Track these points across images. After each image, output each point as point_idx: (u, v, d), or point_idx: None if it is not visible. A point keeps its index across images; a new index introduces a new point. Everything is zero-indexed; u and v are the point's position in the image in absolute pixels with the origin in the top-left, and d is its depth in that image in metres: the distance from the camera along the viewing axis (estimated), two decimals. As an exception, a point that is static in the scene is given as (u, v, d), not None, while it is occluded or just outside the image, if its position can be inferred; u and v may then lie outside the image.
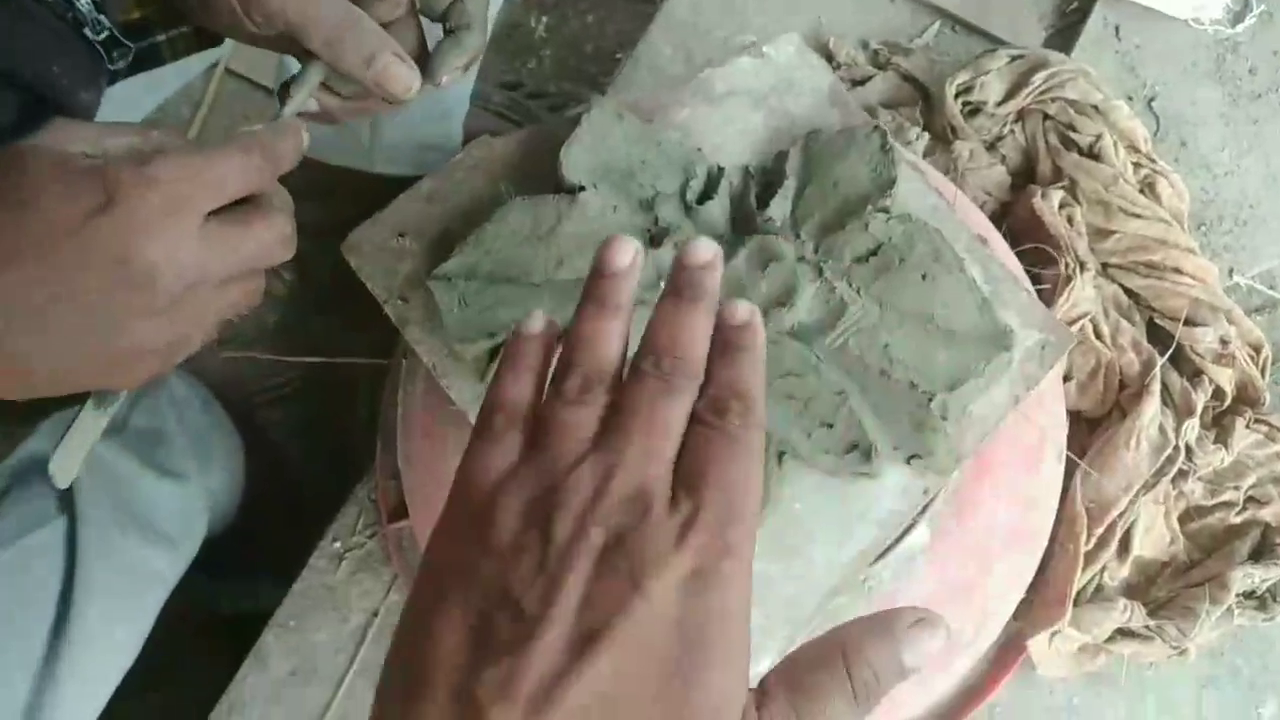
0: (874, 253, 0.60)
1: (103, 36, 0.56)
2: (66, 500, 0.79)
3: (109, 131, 0.45)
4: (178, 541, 0.85)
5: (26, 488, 0.80)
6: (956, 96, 0.86)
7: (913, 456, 0.58)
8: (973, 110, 0.87)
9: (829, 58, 0.94)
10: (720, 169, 0.64)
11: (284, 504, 1.04)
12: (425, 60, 0.58)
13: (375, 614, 0.82)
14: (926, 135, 0.86)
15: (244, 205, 0.46)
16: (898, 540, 0.59)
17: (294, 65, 0.99)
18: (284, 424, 1.16)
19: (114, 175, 0.42)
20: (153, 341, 0.44)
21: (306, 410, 1.16)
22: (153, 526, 0.83)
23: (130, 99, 0.74)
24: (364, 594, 0.83)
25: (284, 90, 0.57)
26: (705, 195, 0.63)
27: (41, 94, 0.55)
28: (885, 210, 0.61)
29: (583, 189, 0.61)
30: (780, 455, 0.59)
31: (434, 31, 0.60)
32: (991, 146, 0.87)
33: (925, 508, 0.60)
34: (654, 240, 0.61)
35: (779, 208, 0.62)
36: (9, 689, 0.68)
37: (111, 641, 0.76)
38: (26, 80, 0.53)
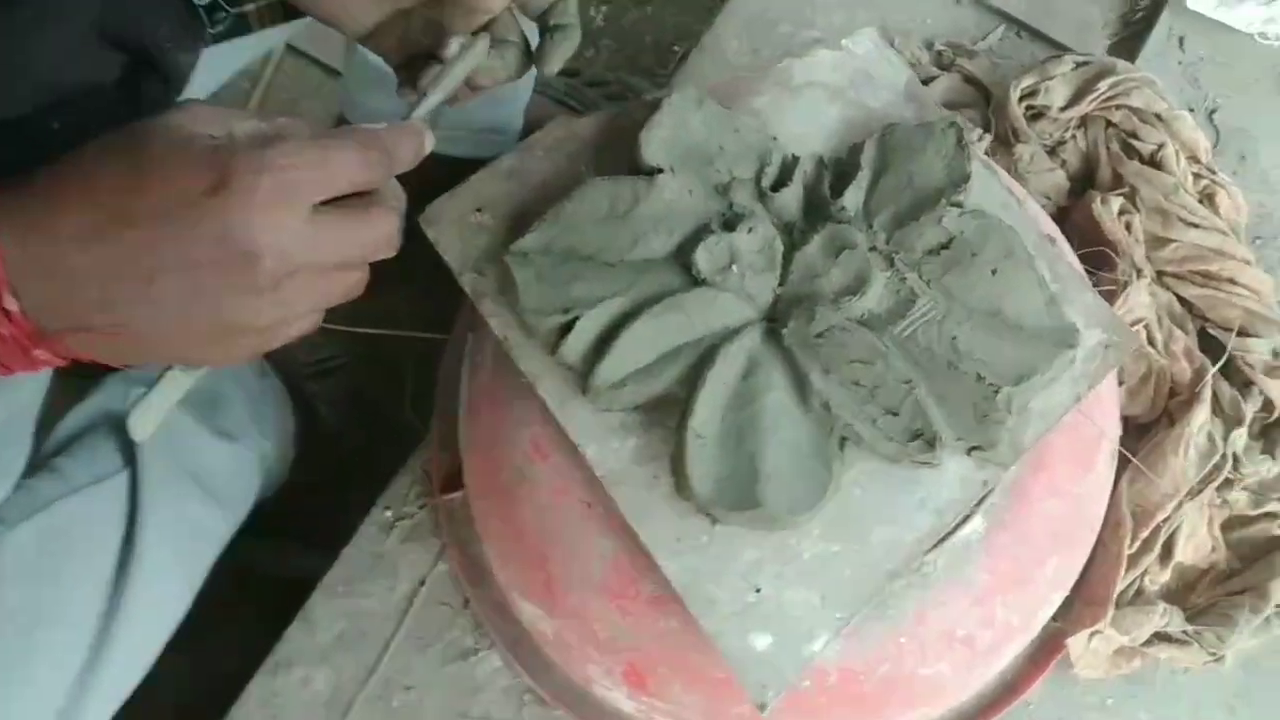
0: (945, 246, 0.62)
1: (206, 1, 0.58)
2: (129, 454, 0.81)
3: (236, 116, 0.46)
4: (231, 502, 0.87)
5: (93, 439, 0.82)
6: (1020, 100, 0.87)
7: (974, 448, 0.59)
8: (1035, 114, 0.88)
9: (892, 57, 0.95)
10: (795, 157, 0.65)
11: (327, 472, 1.06)
12: (527, 55, 0.61)
13: (422, 583, 0.84)
14: (989, 137, 0.87)
15: (356, 199, 0.47)
16: (955, 529, 0.61)
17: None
18: (330, 395, 1.18)
19: (229, 157, 0.43)
20: (251, 320, 0.46)
21: (352, 383, 1.18)
22: (209, 486, 0.85)
23: (213, 66, 0.76)
24: (412, 563, 0.84)
25: (405, 83, 0.59)
26: (780, 182, 0.65)
27: (145, 56, 0.57)
28: (959, 205, 0.62)
29: (660, 171, 0.63)
30: (843, 440, 0.60)
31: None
32: (1052, 151, 0.88)
33: (983, 499, 0.61)
34: (728, 224, 0.62)
35: (852, 198, 0.63)
36: (76, 630, 0.71)
37: (168, 593, 0.78)
38: (135, 43, 0.55)
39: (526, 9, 0.60)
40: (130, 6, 0.54)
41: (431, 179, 0.74)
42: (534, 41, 0.63)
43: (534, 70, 1.07)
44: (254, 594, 0.99)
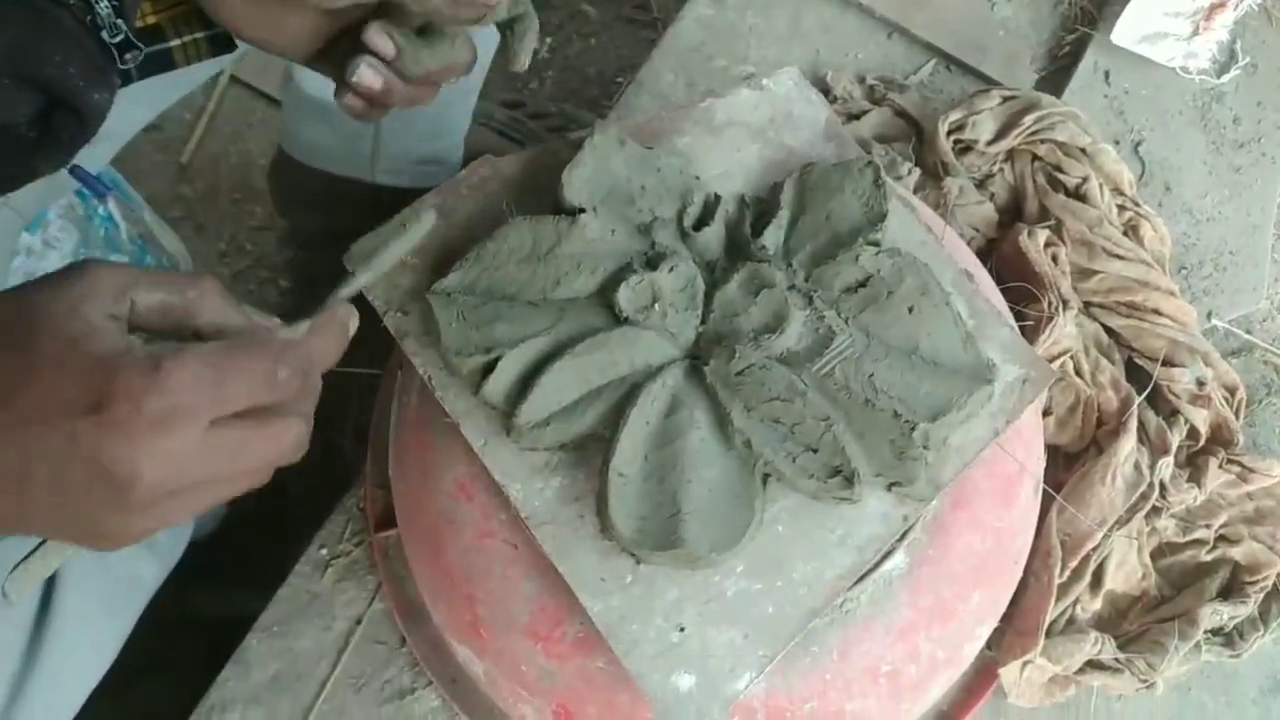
0: (863, 284, 0.62)
1: (118, 39, 0.57)
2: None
3: (142, 283, 0.43)
4: (163, 546, 0.86)
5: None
6: (949, 134, 0.89)
7: (893, 484, 0.60)
8: (964, 148, 0.89)
9: (826, 91, 0.96)
10: (717, 197, 0.66)
11: (267, 510, 1.05)
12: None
13: (359, 621, 0.83)
14: (918, 170, 0.88)
15: (260, 409, 0.44)
16: (876, 565, 0.61)
17: (303, 75, 1.00)
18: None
19: (115, 372, 0.40)
20: (123, 533, 0.43)
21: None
22: (139, 530, 0.83)
23: (143, 100, 0.76)
24: (349, 601, 0.84)
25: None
26: (701, 222, 0.65)
27: (58, 94, 0.56)
28: (875, 244, 0.63)
29: (583, 211, 0.63)
30: (765, 478, 0.60)
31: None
32: (981, 184, 0.89)
33: (904, 534, 0.61)
34: (650, 264, 0.63)
35: (772, 237, 0.64)
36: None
37: (91, 643, 0.76)
38: (45, 80, 0.55)
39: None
40: (37, 44, 0.53)
41: (373, 211, 0.73)
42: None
43: (473, 102, 1.07)
44: (192, 634, 0.97)
